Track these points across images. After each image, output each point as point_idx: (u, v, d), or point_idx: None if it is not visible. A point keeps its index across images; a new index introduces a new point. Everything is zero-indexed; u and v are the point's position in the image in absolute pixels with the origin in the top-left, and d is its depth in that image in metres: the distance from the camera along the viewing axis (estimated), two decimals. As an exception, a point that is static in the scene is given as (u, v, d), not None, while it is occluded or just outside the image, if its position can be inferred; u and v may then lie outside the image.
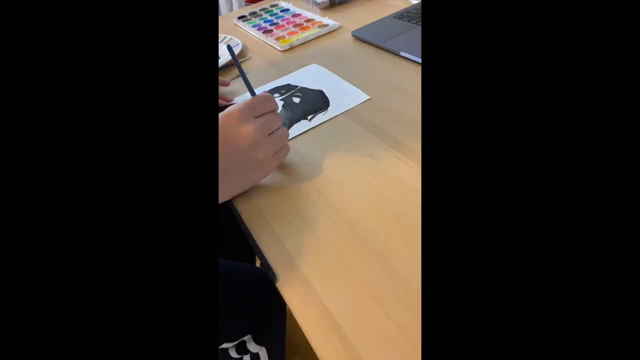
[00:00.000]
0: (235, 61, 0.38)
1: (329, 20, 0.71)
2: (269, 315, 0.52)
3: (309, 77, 0.56)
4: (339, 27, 0.70)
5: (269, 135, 0.37)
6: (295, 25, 0.73)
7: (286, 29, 0.73)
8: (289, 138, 0.45)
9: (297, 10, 0.79)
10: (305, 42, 0.67)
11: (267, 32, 0.73)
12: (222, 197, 0.36)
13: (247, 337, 0.50)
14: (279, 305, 0.53)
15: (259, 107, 0.37)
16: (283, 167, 0.41)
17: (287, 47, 0.66)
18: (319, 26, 0.71)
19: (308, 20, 0.74)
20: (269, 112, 0.37)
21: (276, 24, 0.76)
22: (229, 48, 0.38)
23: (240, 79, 0.59)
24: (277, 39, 0.69)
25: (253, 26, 0.76)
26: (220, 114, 0.35)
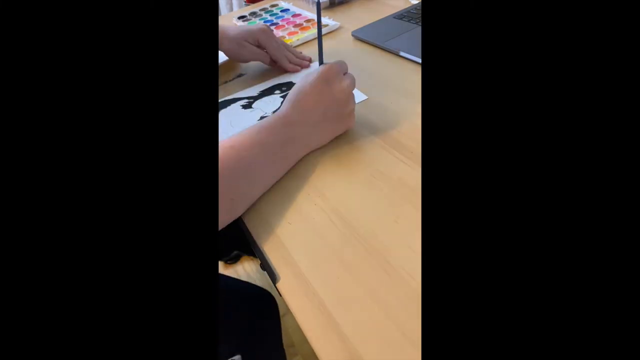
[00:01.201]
0: (318, 21, 0.41)
1: (329, 20, 0.71)
2: (258, 336, 0.51)
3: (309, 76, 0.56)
4: (339, 27, 0.70)
5: None
6: (295, 25, 0.73)
7: (286, 29, 0.73)
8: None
9: (297, 10, 0.79)
10: (305, 42, 0.67)
11: (267, 32, 0.73)
12: (320, 143, 0.42)
13: (237, 357, 0.50)
14: (271, 325, 0.53)
15: (344, 67, 0.42)
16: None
17: (287, 47, 0.66)
18: (319, 26, 0.71)
19: (308, 21, 0.74)
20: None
21: (276, 24, 0.76)
22: (318, 4, 0.41)
23: (241, 79, 0.59)
24: (277, 39, 0.69)
25: (253, 26, 0.76)
26: (321, 67, 0.40)
